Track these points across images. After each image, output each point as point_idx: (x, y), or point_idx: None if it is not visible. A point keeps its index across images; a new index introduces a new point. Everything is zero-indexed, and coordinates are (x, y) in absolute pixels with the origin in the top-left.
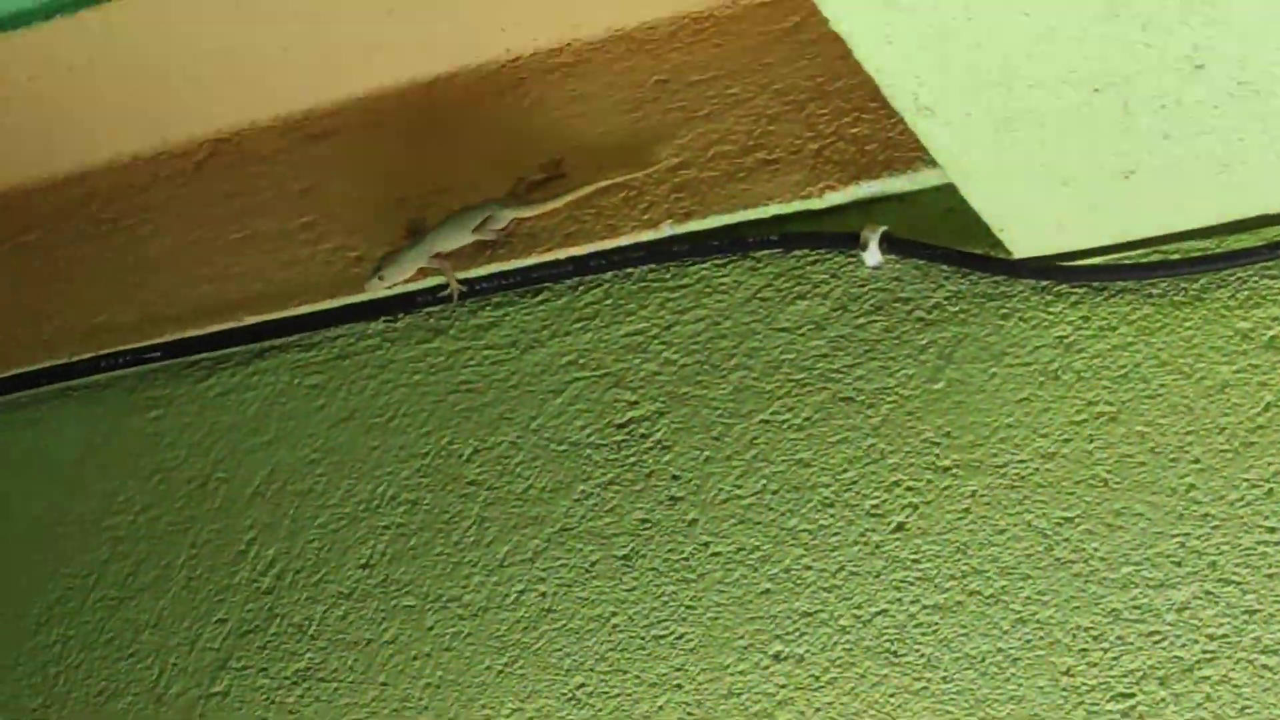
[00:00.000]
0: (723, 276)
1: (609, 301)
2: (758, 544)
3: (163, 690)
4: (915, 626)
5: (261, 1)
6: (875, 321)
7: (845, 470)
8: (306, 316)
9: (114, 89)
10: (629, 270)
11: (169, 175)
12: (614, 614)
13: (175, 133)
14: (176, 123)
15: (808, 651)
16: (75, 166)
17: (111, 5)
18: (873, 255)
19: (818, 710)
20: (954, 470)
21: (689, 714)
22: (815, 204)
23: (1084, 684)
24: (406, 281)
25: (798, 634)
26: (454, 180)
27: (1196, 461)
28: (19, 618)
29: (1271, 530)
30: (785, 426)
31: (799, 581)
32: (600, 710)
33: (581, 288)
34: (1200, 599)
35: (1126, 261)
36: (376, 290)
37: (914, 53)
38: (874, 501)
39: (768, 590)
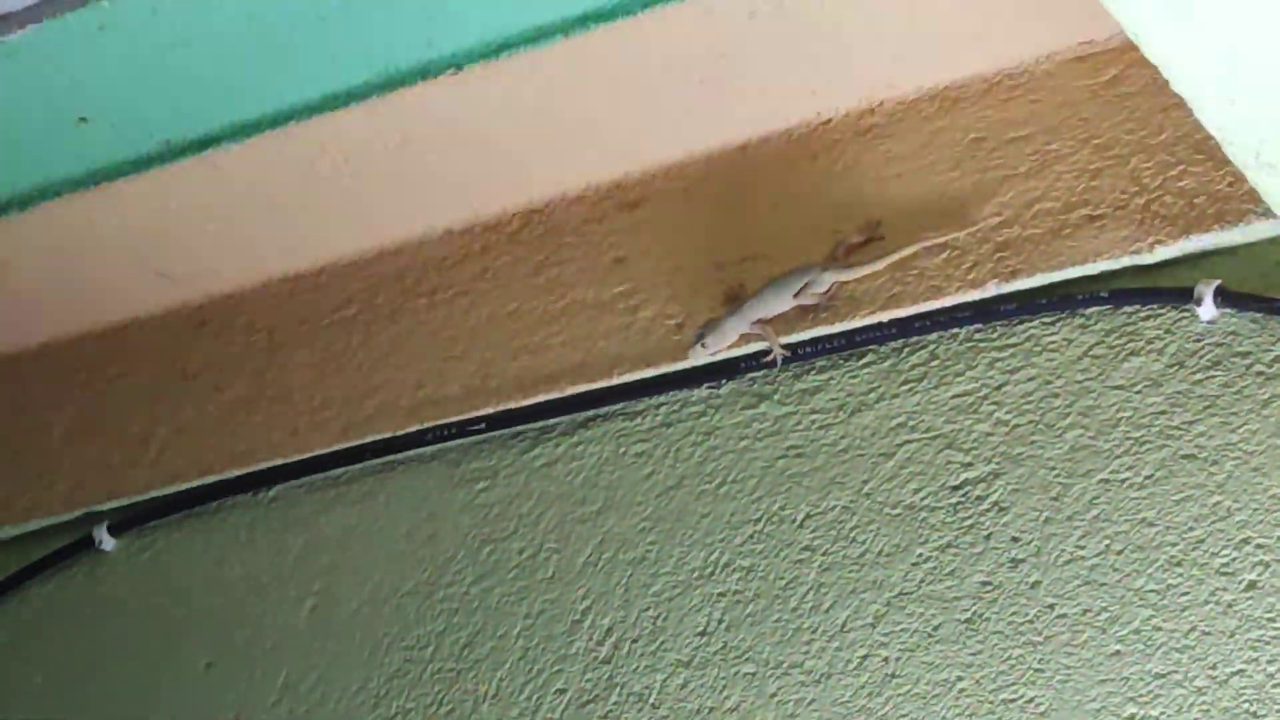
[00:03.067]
0: (1051, 335)
1: (935, 363)
2: (1104, 605)
3: None
4: (1274, 686)
5: (568, 73)
6: (1213, 377)
7: (1191, 529)
8: (629, 385)
9: (427, 165)
10: (954, 331)
11: (482, 248)
12: (960, 678)
13: (487, 205)
14: (488, 195)
15: (1163, 714)
16: (389, 242)
17: (425, 85)
18: (1207, 309)
19: None
20: None
21: None
22: (1145, 259)
23: None
24: (729, 348)
25: (1152, 696)
26: (770, 246)
27: None
28: (359, 691)
29: None
30: (1126, 485)
31: (1150, 643)
32: None
33: (906, 349)
34: None
35: None
36: (699, 357)
37: (1258, 111)
38: (1223, 560)
39: (1118, 652)
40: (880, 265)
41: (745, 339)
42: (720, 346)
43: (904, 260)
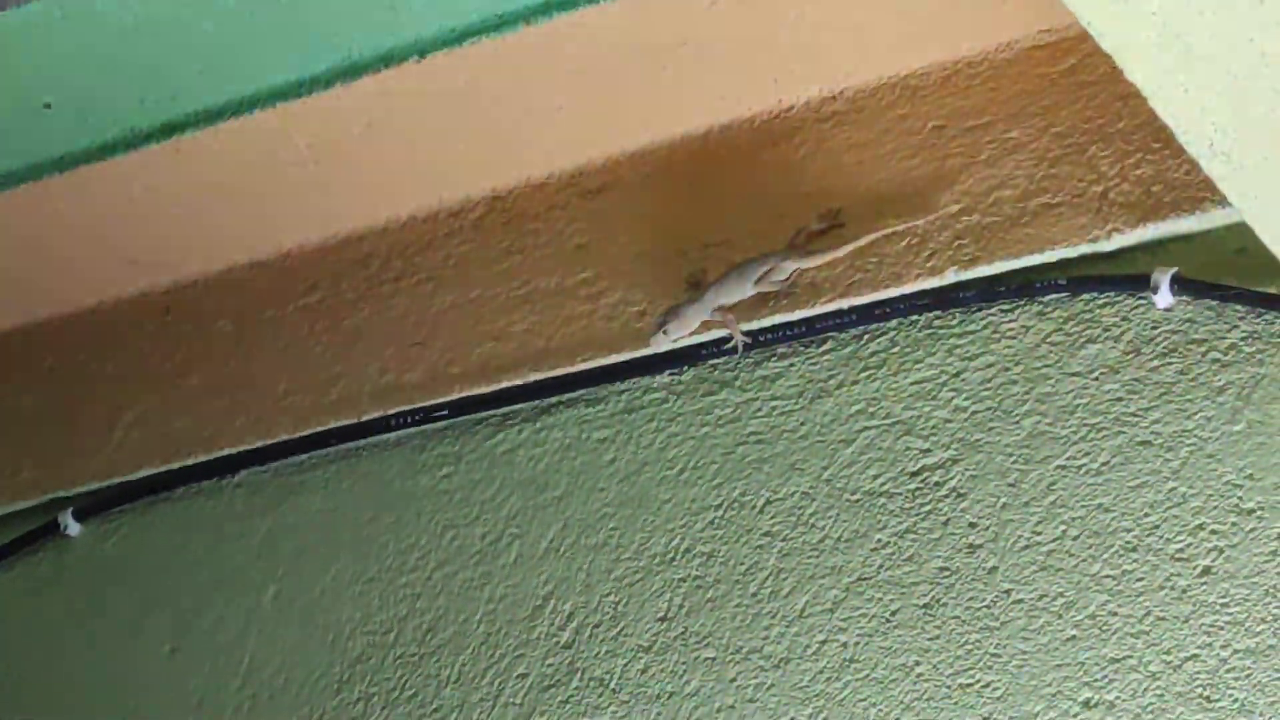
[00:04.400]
0: (1010, 322)
1: (895, 350)
2: (1061, 590)
3: None
4: (1228, 671)
5: (535, 61)
6: (1170, 364)
7: (1147, 515)
8: (591, 372)
9: (391, 152)
10: (914, 318)
11: (447, 234)
12: (918, 663)
13: (451, 192)
14: (452, 182)
15: (1118, 698)
16: (353, 229)
17: (389, 72)
18: (1164, 297)
19: None
20: (1258, 512)
21: None
22: (1103, 246)
23: None
24: (690, 335)
25: (1107, 680)
26: (732, 232)
27: None
28: (322, 676)
29: None
30: (1082, 471)
31: (1105, 628)
32: None
33: (867, 336)
34: None
35: None
36: (662, 344)
37: (1210, 101)
38: (1178, 546)
39: (1074, 637)
40: (840, 253)
41: (706, 326)
42: (682, 333)
43: (864, 248)
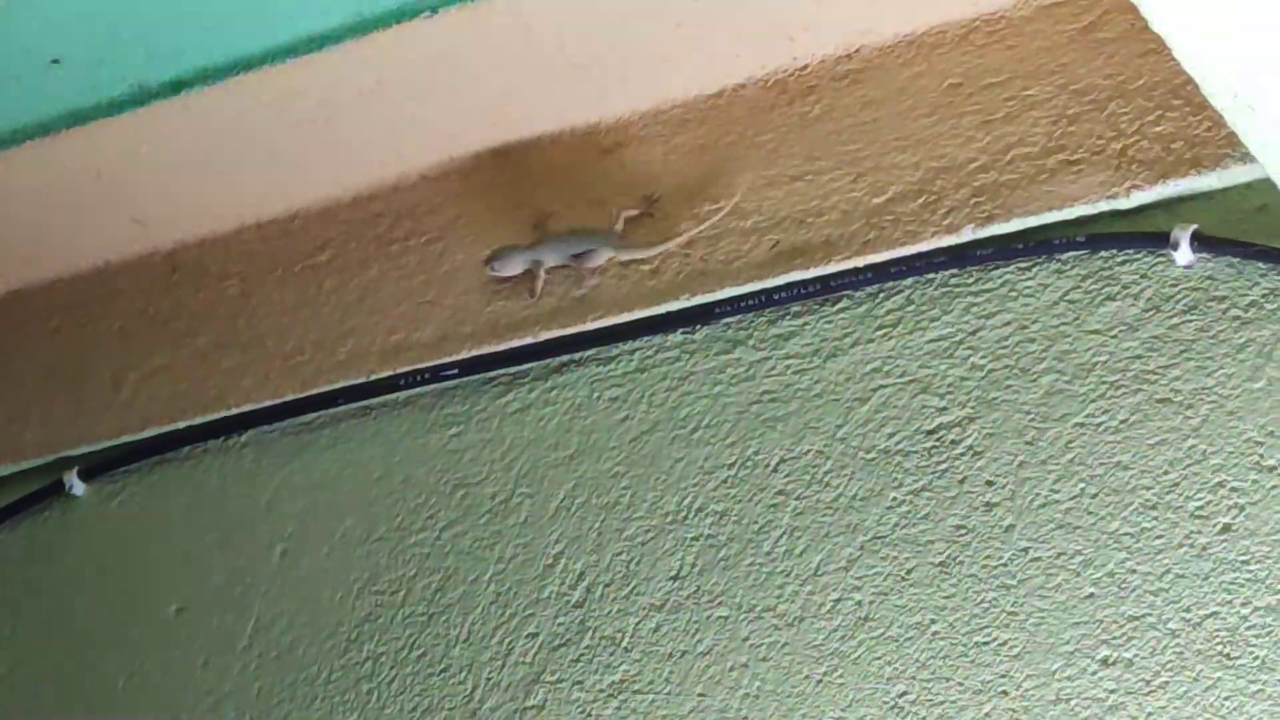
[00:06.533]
0: (1028, 279)
1: (911, 308)
2: (1079, 548)
3: (477, 705)
4: (1248, 629)
5: (545, 19)
6: (1189, 321)
7: (1166, 472)
8: (602, 330)
9: (401, 109)
10: (930, 276)
11: (458, 193)
12: (933, 621)
13: (462, 150)
14: (463, 141)
15: (1136, 656)
16: (363, 187)
17: (399, 28)
18: (1184, 254)
19: (1150, 715)
20: (1279, 469)
21: None
22: (1122, 204)
23: None
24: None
25: (1125, 638)
26: (744, 188)
27: None
28: (329, 636)
29: None
30: (1101, 429)
31: (1124, 586)
32: (924, 718)
33: (882, 294)
34: None
35: None
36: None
37: (1236, 48)
38: (1198, 503)
39: (1092, 595)
40: (656, 251)
41: (529, 274)
42: (506, 273)
43: (685, 241)
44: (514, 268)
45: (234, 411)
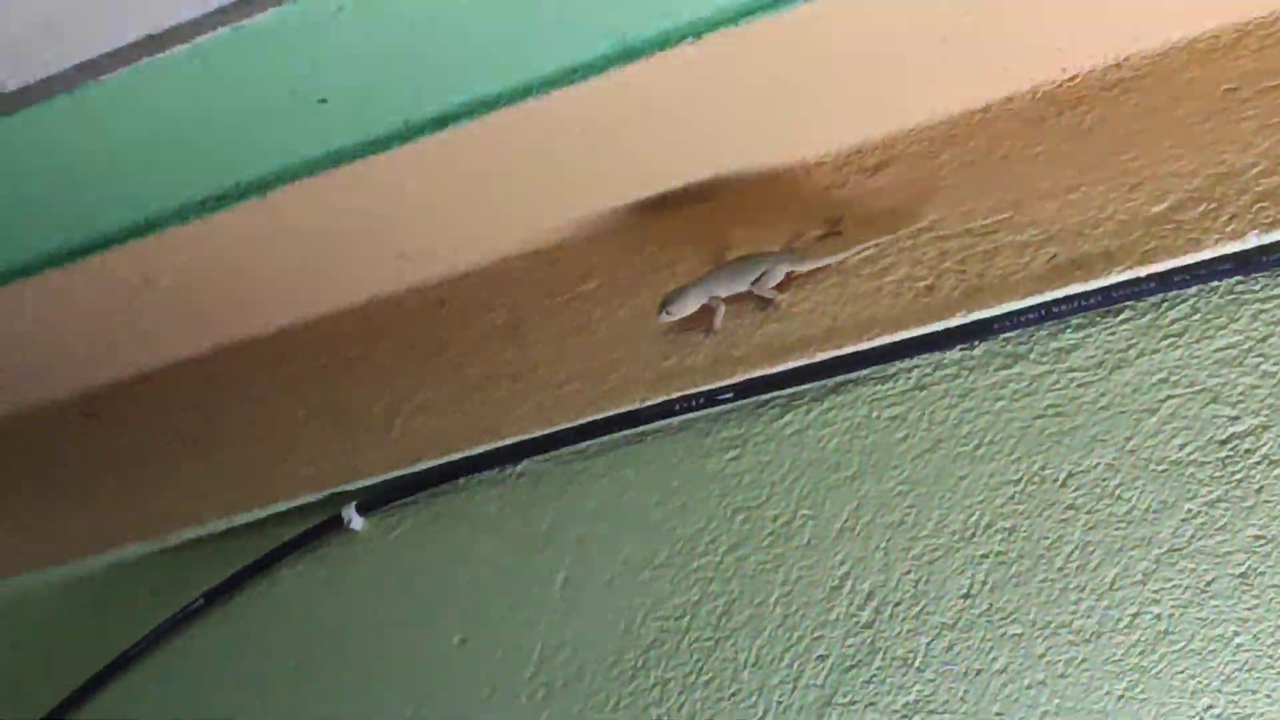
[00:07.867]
0: None
1: (1196, 317)
2: None
3: None
4: None
5: (810, 38)
6: None
7: None
8: (879, 349)
9: (666, 131)
10: (1215, 284)
11: (726, 215)
12: (1236, 633)
13: (728, 169)
14: (729, 161)
15: None
16: (628, 213)
17: (663, 55)
18: None
19: None
20: None
21: None
22: None
23: None
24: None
25: None
26: (1015, 207)
27: None
28: (615, 664)
29: None
30: None
31: None
32: None
33: (1165, 304)
34: None
35: None
36: (664, 324)
37: None
38: None
39: None
40: (834, 259)
41: (706, 311)
42: (682, 315)
43: (857, 257)
44: (688, 308)
45: (507, 442)
